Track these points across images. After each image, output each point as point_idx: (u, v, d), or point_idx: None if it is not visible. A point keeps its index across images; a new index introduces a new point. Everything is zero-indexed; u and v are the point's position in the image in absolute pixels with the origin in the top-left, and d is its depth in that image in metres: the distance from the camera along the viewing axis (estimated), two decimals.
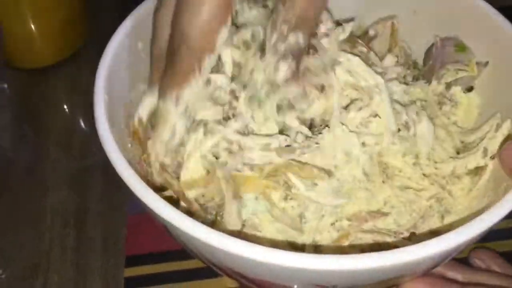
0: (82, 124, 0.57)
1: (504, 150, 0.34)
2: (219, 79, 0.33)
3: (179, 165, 0.34)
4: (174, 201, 0.34)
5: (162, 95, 0.32)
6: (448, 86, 0.39)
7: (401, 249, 0.27)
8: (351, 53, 0.35)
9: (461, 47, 0.39)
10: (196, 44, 0.31)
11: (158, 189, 0.34)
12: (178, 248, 0.43)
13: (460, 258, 0.41)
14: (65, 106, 0.58)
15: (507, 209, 0.29)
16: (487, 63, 0.39)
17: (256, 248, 0.27)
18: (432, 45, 0.41)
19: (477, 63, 0.39)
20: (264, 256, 0.27)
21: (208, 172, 0.33)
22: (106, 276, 0.45)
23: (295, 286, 0.31)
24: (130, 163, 0.31)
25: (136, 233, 0.47)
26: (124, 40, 0.36)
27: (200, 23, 0.30)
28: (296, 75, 0.32)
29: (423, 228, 0.35)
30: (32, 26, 0.56)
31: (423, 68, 0.41)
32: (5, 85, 0.57)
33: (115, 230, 0.48)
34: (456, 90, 0.39)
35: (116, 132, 0.33)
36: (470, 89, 0.39)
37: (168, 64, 0.32)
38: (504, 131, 0.35)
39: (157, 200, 0.29)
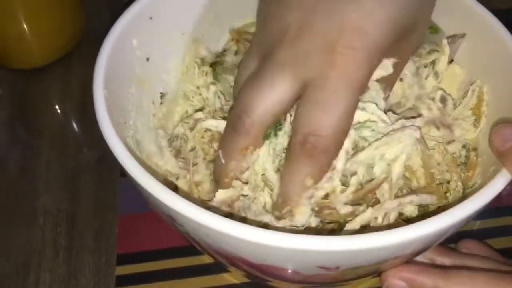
0: (75, 124, 0.63)
1: (493, 134, 0.40)
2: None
3: None
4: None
5: None
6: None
7: (410, 225, 0.33)
8: None
9: (434, 29, 0.49)
10: (253, 120, 0.40)
11: None
12: (169, 247, 0.52)
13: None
14: (58, 107, 0.65)
15: (487, 198, 0.35)
16: (464, 34, 0.48)
17: (260, 232, 0.32)
18: None
19: (455, 35, 0.48)
20: (268, 239, 0.32)
21: None
22: (98, 274, 0.52)
23: (300, 270, 0.37)
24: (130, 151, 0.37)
25: (127, 232, 0.53)
26: (119, 37, 0.43)
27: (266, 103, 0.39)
28: None
29: None
30: (25, 27, 0.61)
31: None
32: None
33: (107, 229, 0.54)
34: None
35: (116, 126, 0.39)
36: (450, 61, 0.48)
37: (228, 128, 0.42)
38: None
39: (162, 189, 0.35)
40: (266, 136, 0.41)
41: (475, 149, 0.46)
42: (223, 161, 0.41)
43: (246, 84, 0.41)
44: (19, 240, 0.54)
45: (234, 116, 0.40)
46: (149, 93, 0.48)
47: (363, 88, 0.39)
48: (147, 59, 0.47)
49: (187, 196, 0.40)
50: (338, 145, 0.39)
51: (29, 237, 0.54)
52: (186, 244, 0.51)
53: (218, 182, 0.42)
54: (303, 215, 0.39)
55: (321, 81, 0.37)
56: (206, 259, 0.51)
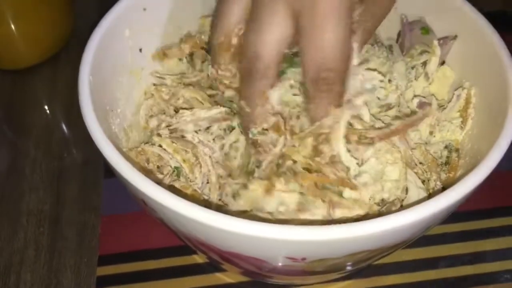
0: (62, 125, 0.66)
1: None
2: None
3: None
4: None
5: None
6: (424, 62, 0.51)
7: (372, 220, 0.34)
8: None
9: (425, 30, 0.52)
10: (266, 63, 0.42)
11: None
12: (149, 248, 0.54)
13: None
14: (45, 107, 0.68)
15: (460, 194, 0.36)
16: (455, 36, 0.51)
17: (227, 219, 0.34)
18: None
19: (447, 37, 0.51)
20: (234, 226, 0.34)
21: None
22: (79, 275, 0.53)
23: (268, 259, 0.38)
24: (110, 139, 0.39)
25: (109, 233, 0.56)
26: (111, 26, 0.46)
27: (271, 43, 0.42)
28: None
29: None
30: (13, 28, 0.65)
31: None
32: None
33: (89, 230, 0.56)
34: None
35: (100, 112, 0.41)
36: (442, 63, 0.51)
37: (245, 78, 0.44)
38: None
39: (131, 170, 0.37)
40: (280, 73, 0.44)
41: (457, 150, 0.48)
42: (247, 110, 0.44)
43: (247, 30, 0.44)
44: (1, 240, 0.56)
45: (246, 64, 0.43)
46: (141, 84, 0.51)
47: (351, 7, 0.41)
48: (140, 49, 0.50)
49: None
50: (345, 70, 0.42)
51: (11, 237, 0.56)
52: (167, 245, 0.53)
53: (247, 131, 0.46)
54: (338, 140, 0.43)
55: (310, 10, 0.40)
56: (192, 260, 0.53)
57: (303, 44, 0.41)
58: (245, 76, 0.44)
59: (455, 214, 0.39)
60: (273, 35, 0.42)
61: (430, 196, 0.44)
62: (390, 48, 0.51)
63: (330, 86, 0.41)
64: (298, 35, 0.41)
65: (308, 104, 0.43)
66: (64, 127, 0.65)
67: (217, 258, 0.42)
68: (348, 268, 0.43)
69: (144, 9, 0.49)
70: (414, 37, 0.52)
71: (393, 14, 0.53)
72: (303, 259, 0.37)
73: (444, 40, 0.50)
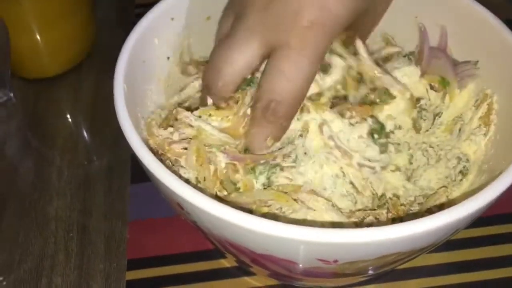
0: (85, 133, 0.68)
1: None
2: None
3: None
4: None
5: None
6: None
7: (401, 223, 0.35)
8: None
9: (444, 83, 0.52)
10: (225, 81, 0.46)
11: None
12: (178, 252, 0.55)
13: None
14: (69, 116, 0.69)
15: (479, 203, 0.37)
16: (477, 62, 0.51)
17: (261, 221, 0.35)
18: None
19: (469, 61, 0.51)
20: (268, 228, 0.35)
21: None
22: (108, 279, 0.55)
23: (300, 261, 0.39)
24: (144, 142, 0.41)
25: (136, 238, 0.57)
26: (141, 35, 0.47)
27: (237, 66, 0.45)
28: None
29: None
30: (38, 38, 0.66)
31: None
32: (11, 94, 0.67)
33: (117, 235, 0.58)
34: None
35: (133, 119, 0.43)
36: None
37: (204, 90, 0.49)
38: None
39: (170, 175, 0.38)
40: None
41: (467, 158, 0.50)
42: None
43: (219, 45, 0.47)
44: (32, 246, 0.57)
45: (208, 78, 0.47)
46: (169, 91, 0.52)
47: (321, 59, 0.44)
48: (168, 58, 0.51)
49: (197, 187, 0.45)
50: (296, 108, 0.45)
51: (42, 243, 0.57)
52: (195, 249, 0.55)
53: None
54: None
55: (286, 51, 0.43)
56: (220, 264, 0.54)
57: (268, 71, 0.44)
58: (204, 87, 0.48)
59: (478, 218, 0.41)
60: (240, 59, 0.44)
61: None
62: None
63: (277, 118, 0.44)
64: (266, 66, 0.44)
65: (250, 128, 0.46)
66: (88, 134, 0.67)
67: (247, 261, 0.44)
68: (375, 271, 0.44)
69: (172, 19, 0.50)
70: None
71: (413, 25, 0.54)
72: (335, 261, 0.38)
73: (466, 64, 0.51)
